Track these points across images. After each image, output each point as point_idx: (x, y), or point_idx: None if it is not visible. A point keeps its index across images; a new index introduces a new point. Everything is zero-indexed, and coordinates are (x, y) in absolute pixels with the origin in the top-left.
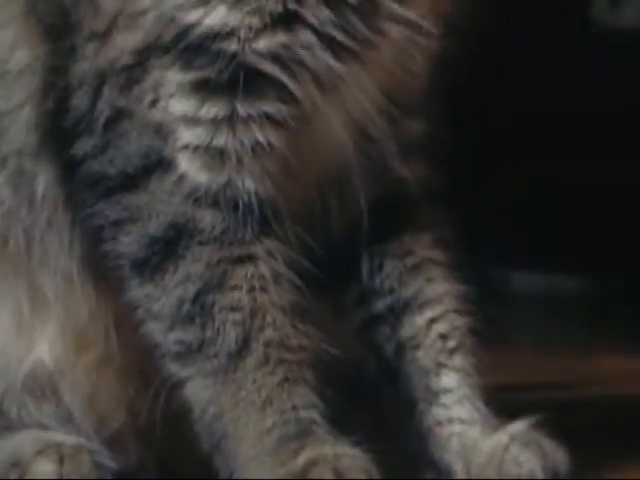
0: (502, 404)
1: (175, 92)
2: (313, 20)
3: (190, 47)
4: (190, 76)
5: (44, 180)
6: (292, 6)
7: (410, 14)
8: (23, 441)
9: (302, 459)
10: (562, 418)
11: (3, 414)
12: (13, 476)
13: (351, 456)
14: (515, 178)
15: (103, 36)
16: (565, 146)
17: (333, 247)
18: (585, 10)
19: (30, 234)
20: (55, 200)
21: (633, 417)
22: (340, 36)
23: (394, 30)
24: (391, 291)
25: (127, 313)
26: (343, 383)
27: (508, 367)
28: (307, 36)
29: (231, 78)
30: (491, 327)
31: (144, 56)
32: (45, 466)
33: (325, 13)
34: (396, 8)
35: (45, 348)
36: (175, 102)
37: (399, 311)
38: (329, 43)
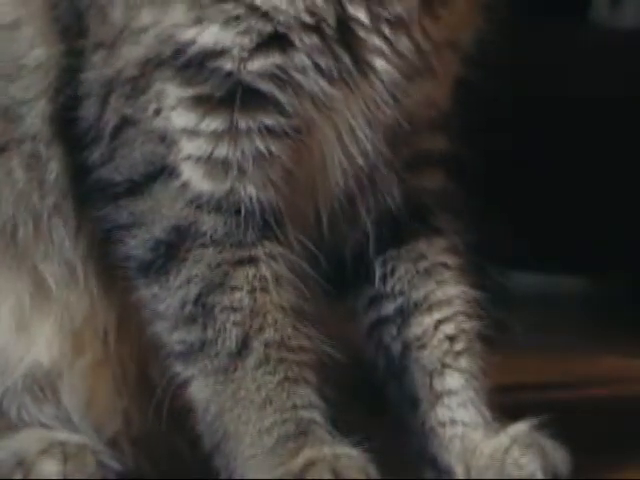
0: (502, 405)
1: (176, 105)
2: (299, 44)
3: (188, 64)
4: (190, 92)
5: (56, 167)
6: (281, 29)
7: (394, 51)
8: (27, 440)
9: (301, 459)
10: (563, 418)
11: (3, 414)
12: (18, 475)
13: (350, 456)
14: (515, 178)
15: (110, 47)
16: (565, 146)
17: (343, 253)
18: (585, 10)
19: (39, 221)
20: (64, 189)
21: (633, 417)
22: (327, 63)
23: (379, 64)
24: (402, 293)
25: (129, 313)
26: (345, 384)
27: (508, 368)
28: (300, 59)
29: (229, 94)
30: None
31: (147, 69)
32: (49, 466)
33: (313, 40)
34: (380, 44)
35: (42, 348)
36: (176, 115)
37: (408, 312)
38: (319, 68)
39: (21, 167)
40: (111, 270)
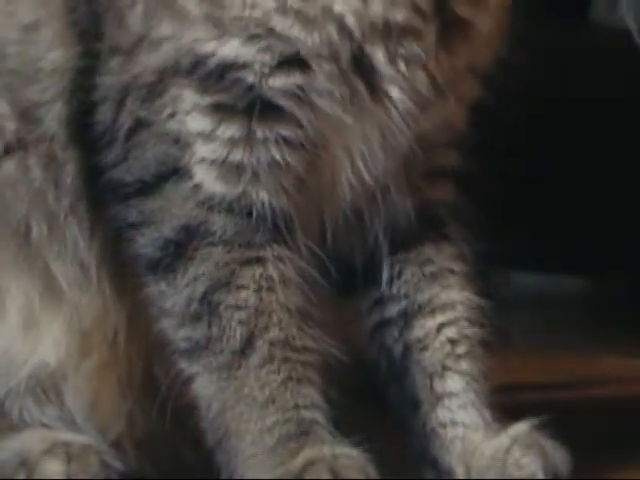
0: (502, 405)
1: (192, 110)
2: (317, 70)
3: (207, 75)
4: (207, 100)
5: (71, 170)
6: (303, 52)
7: (410, 84)
8: (30, 440)
9: (301, 459)
10: (563, 418)
11: (5, 415)
12: (21, 476)
13: (349, 456)
14: (514, 178)
15: (128, 53)
16: (566, 146)
17: (350, 258)
18: (585, 10)
19: (53, 221)
20: (79, 191)
21: (633, 417)
22: (342, 90)
23: (395, 93)
24: (406, 296)
25: (139, 312)
26: (348, 385)
27: (508, 368)
28: (319, 82)
29: (248, 106)
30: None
31: (165, 75)
32: (53, 466)
33: (330, 67)
34: (396, 76)
35: (49, 348)
36: (191, 120)
37: (411, 314)
38: (335, 94)
39: (38, 167)
40: (123, 269)
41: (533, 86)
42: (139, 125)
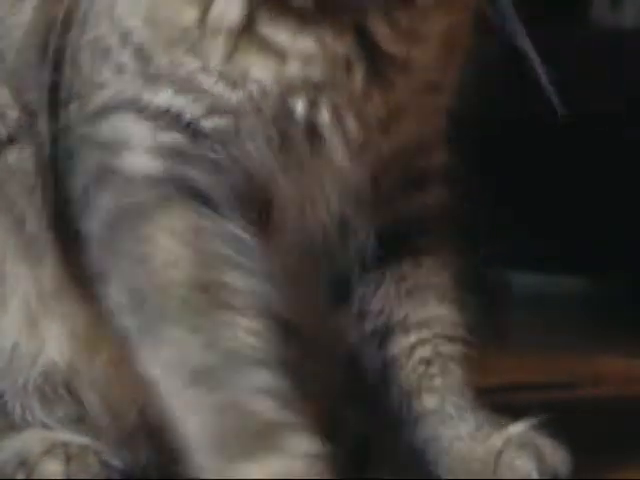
0: (501, 405)
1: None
2: (245, 118)
3: (147, 116)
4: (149, 125)
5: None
6: (228, 107)
7: (344, 131)
8: (29, 440)
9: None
10: (562, 418)
11: (8, 414)
12: (20, 476)
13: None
14: (514, 178)
15: (82, 96)
16: (565, 146)
17: (331, 273)
18: (585, 10)
19: (44, 218)
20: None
21: (633, 417)
22: (273, 137)
23: (330, 137)
24: (381, 313)
25: None
26: (347, 384)
27: (507, 367)
28: (250, 129)
29: (190, 135)
30: (491, 327)
31: (107, 108)
32: (52, 466)
33: (257, 117)
34: (322, 122)
35: (55, 346)
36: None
37: (387, 332)
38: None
39: (31, 160)
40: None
41: (532, 85)
42: (80, 142)
